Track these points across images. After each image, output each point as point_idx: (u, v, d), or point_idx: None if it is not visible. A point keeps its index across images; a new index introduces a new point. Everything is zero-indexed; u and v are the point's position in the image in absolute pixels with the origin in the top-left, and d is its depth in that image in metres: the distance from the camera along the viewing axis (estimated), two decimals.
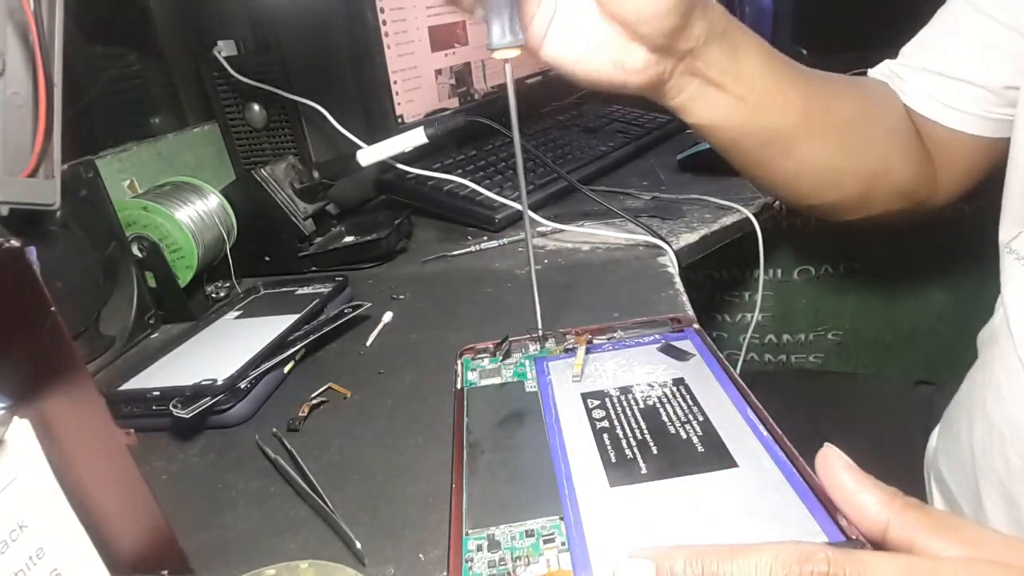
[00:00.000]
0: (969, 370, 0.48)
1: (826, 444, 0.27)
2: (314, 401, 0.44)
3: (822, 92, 0.49)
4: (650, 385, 0.38)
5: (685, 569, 0.24)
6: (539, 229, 0.66)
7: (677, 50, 0.40)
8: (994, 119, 0.47)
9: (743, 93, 0.44)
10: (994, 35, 0.45)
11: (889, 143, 0.50)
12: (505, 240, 0.66)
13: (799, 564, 0.22)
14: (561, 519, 0.30)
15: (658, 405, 0.36)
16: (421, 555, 0.31)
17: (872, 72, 0.54)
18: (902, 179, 0.51)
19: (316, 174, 0.65)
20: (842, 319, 1.15)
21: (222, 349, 0.50)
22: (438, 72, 0.81)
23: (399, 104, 0.76)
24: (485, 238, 0.67)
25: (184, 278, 0.59)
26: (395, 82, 0.75)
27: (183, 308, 0.59)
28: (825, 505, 0.28)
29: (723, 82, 0.43)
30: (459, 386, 0.41)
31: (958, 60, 0.47)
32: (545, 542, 0.29)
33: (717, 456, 0.32)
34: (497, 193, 0.70)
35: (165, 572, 0.29)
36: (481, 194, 0.69)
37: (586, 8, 0.39)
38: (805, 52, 1.03)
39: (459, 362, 0.43)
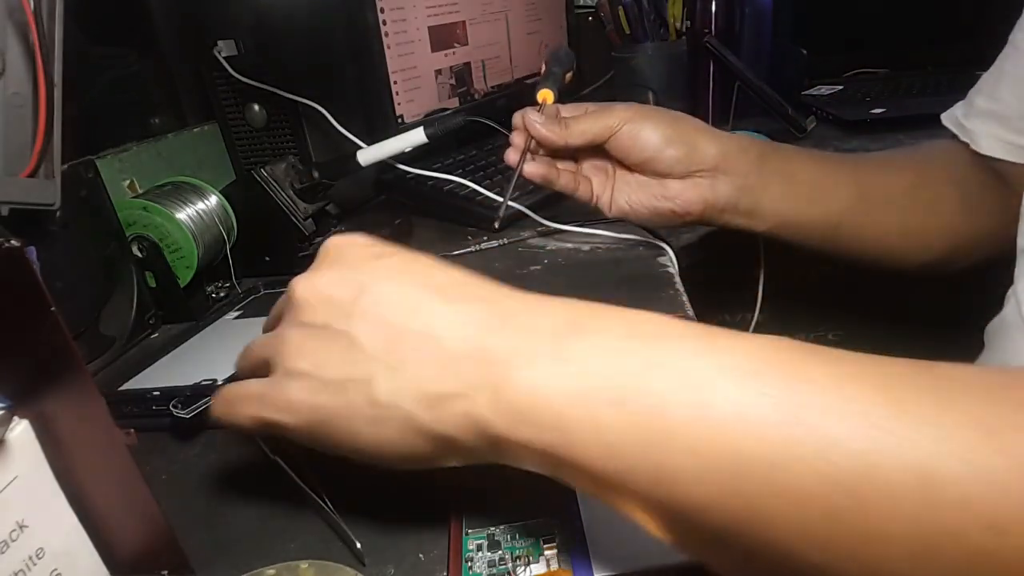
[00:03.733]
0: (975, 362, 0.48)
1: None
2: None
3: (872, 168, 0.52)
4: None
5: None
6: (539, 229, 0.66)
7: (701, 171, 0.48)
8: None
9: (791, 189, 0.49)
10: None
11: (963, 195, 0.51)
12: (505, 240, 0.66)
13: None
14: (561, 519, 0.30)
15: None
16: (421, 555, 0.31)
17: (944, 118, 0.55)
18: (987, 227, 0.52)
19: (316, 174, 0.65)
20: (842, 319, 1.15)
21: (222, 349, 0.50)
22: (438, 72, 0.81)
23: (399, 104, 0.76)
24: (485, 238, 0.67)
25: (184, 278, 0.59)
26: (395, 82, 0.74)
27: (183, 308, 0.59)
28: None
29: (768, 183, 0.48)
30: None
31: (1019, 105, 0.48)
32: (545, 542, 0.29)
33: None
34: (497, 193, 0.70)
35: (165, 572, 0.29)
36: (481, 194, 0.69)
37: (628, 173, 0.51)
38: (805, 52, 1.02)
39: None
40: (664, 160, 0.47)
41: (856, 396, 0.18)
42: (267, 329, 0.33)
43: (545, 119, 0.48)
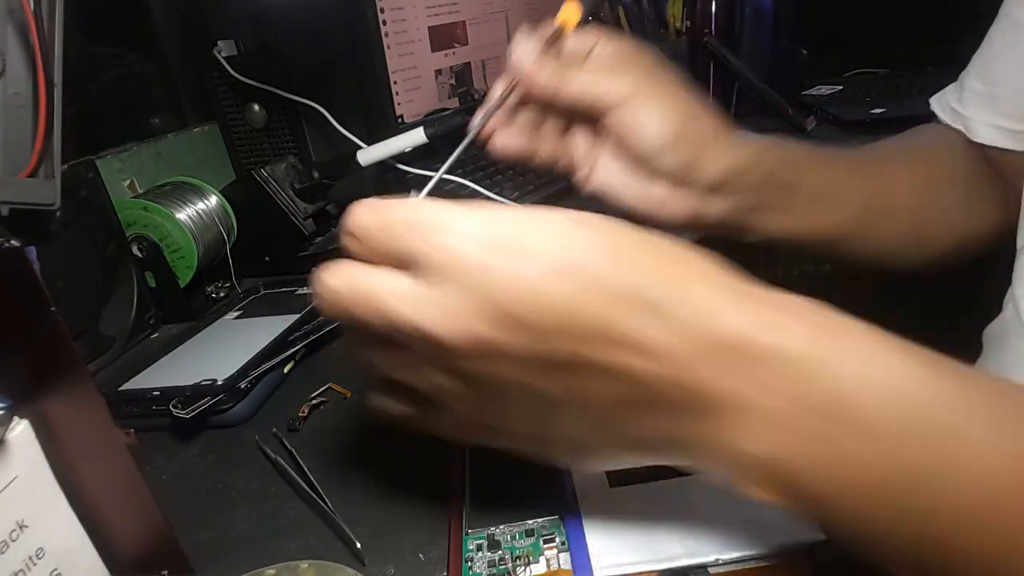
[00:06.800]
0: (973, 366, 0.48)
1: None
2: (314, 401, 0.44)
3: (881, 170, 0.48)
4: None
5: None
6: None
7: (698, 186, 0.39)
8: None
9: (792, 203, 0.42)
10: None
11: (965, 193, 0.49)
12: None
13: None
14: (561, 519, 0.30)
15: None
16: (421, 555, 0.31)
17: (933, 104, 0.52)
18: (986, 224, 0.50)
19: (316, 174, 0.65)
20: None
21: (222, 349, 0.50)
22: (438, 72, 0.81)
23: (399, 104, 0.76)
24: None
25: (184, 278, 0.59)
26: (395, 82, 0.75)
27: (183, 308, 0.59)
28: None
29: (767, 202, 0.42)
30: None
31: (1018, 86, 0.45)
32: (545, 542, 0.29)
33: None
34: (497, 193, 0.70)
35: (165, 572, 0.29)
36: (481, 194, 0.69)
37: (617, 150, 0.40)
38: (805, 52, 1.02)
39: None
40: (660, 163, 0.39)
41: None
42: (361, 339, 0.26)
43: (537, 55, 0.37)
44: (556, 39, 0.37)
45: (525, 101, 0.38)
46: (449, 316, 0.21)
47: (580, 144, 0.41)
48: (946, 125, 0.50)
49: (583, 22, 0.38)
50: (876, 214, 0.46)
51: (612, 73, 0.37)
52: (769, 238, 0.44)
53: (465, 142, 0.36)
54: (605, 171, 0.41)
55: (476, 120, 0.37)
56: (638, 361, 0.21)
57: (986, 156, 0.48)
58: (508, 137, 0.38)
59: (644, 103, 0.37)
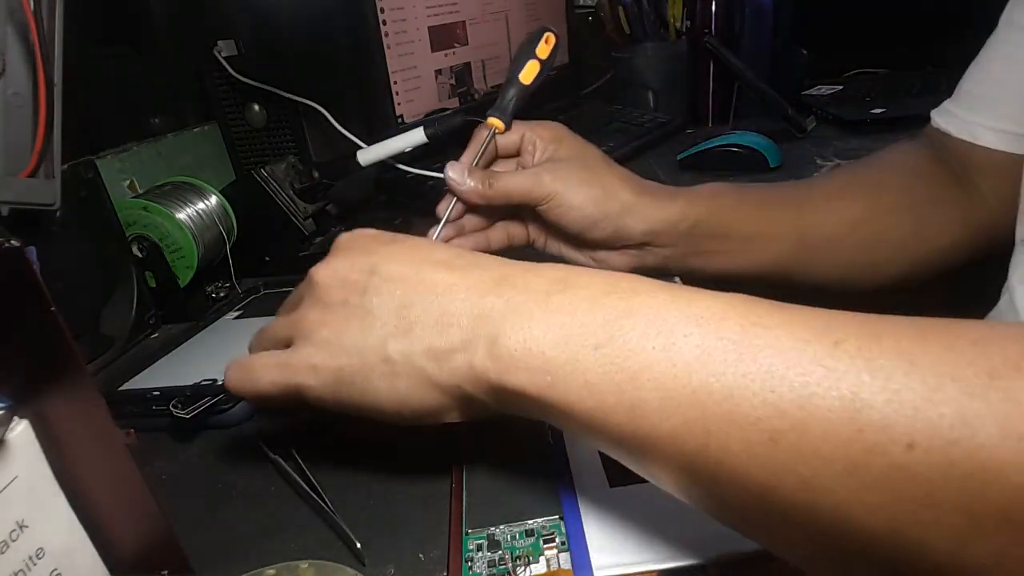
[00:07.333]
0: None
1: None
2: None
3: (819, 205, 0.50)
4: None
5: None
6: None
7: (628, 246, 0.47)
8: None
9: (725, 246, 0.48)
10: None
11: (917, 218, 0.50)
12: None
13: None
14: (561, 519, 0.30)
15: None
16: (421, 555, 0.31)
17: (933, 113, 0.53)
18: (941, 245, 0.51)
19: (316, 174, 0.65)
20: (842, 306, 1.15)
21: (222, 349, 0.50)
22: (438, 72, 0.81)
23: (399, 104, 0.76)
24: None
25: (184, 278, 0.59)
26: (395, 82, 0.75)
27: (183, 308, 0.59)
28: None
29: (699, 249, 0.48)
30: None
31: (1017, 89, 0.46)
32: (545, 542, 0.29)
33: None
34: None
35: (165, 572, 0.29)
36: None
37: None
38: (805, 52, 1.02)
39: None
40: (590, 239, 0.46)
41: (801, 337, 0.21)
42: (285, 313, 0.36)
43: (466, 173, 0.45)
44: (491, 140, 0.46)
45: (468, 209, 0.47)
46: (330, 269, 0.33)
47: (530, 222, 0.49)
48: (921, 143, 0.52)
49: (507, 119, 0.47)
50: (813, 249, 0.49)
51: (533, 175, 0.45)
52: (712, 277, 0.50)
53: None
54: (554, 241, 0.50)
55: (429, 235, 0.45)
56: (450, 296, 0.29)
57: (978, 164, 0.49)
58: (460, 242, 0.47)
59: (564, 196, 0.44)
